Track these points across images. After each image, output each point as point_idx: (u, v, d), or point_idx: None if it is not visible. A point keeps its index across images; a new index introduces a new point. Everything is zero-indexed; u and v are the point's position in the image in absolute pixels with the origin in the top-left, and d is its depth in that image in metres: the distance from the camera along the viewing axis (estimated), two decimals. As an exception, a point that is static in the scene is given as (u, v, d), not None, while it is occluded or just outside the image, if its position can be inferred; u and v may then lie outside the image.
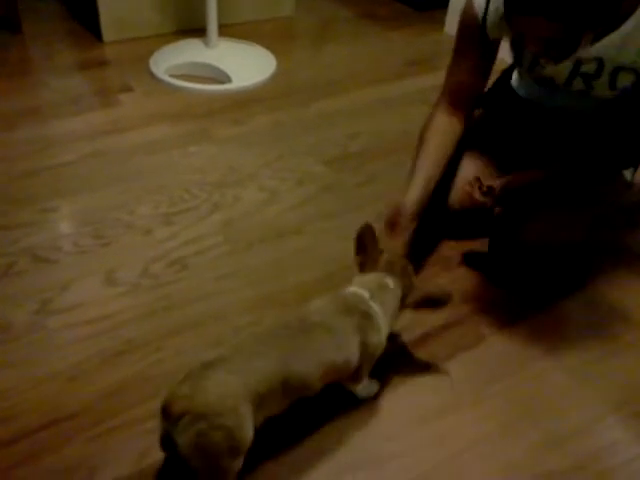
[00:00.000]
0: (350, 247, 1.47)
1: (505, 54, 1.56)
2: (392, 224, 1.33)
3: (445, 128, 1.47)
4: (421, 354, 1.31)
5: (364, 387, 1.18)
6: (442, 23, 2.78)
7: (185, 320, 1.35)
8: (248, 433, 0.94)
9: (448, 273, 1.51)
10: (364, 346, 1.10)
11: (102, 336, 1.30)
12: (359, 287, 1.15)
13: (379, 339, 1.13)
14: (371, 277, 1.17)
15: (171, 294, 1.41)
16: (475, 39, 1.41)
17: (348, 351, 1.08)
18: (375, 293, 1.14)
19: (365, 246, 1.20)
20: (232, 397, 0.92)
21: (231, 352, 0.99)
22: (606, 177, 1.52)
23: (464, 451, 1.14)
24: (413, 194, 1.36)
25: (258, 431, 0.97)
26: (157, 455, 1.09)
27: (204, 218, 1.64)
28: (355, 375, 1.14)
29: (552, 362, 1.32)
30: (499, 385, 1.26)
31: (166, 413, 0.92)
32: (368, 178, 1.83)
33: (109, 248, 1.52)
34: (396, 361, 1.29)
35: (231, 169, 1.83)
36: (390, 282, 1.16)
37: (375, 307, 1.12)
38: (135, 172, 1.79)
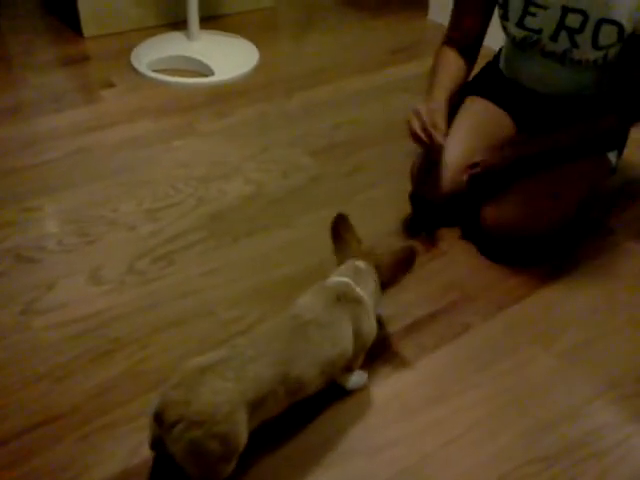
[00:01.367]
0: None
1: (491, 42, 1.57)
2: (433, 124, 1.37)
3: (455, 59, 1.55)
4: (408, 344, 1.31)
5: (354, 379, 1.19)
6: (425, 10, 2.77)
7: (172, 316, 1.34)
8: (242, 438, 0.94)
9: (432, 262, 1.51)
10: (358, 335, 1.10)
11: (89, 335, 1.29)
12: (339, 276, 1.15)
13: (371, 325, 1.14)
14: (343, 267, 1.18)
15: (157, 291, 1.40)
16: None
17: (343, 343, 1.08)
18: (355, 278, 1.14)
19: (341, 236, 1.21)
20: (228, 404, 0.91)
21: (226, 357, 0.96)
22: (590, 158, 1.52)
23: (455, 439, 1.14)
24: (441, 95, 1.45)
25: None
26: (147, 453, 1.08)
27: (189, 213, 1.63)
28: (349, 366, 1.14)
29: (539, 348, 1.32)
30: (487, 373, 1.26)
31: (159, 419, 0.91)
32: (354, 168, 1.83)
33: (94, 246, 1.51)
34: (384, 352, 1.29)
35: (216, 163, 1.82)
36: (361, 264, 1.16)
37: (361, 292, 1.12)
38: (119, 168, 1.77)
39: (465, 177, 1.46)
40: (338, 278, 1.15)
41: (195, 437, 0.88)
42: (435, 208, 1.59)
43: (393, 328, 1.33)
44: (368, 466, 1.09)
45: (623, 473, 1.11)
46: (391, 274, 1.18)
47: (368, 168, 1.83)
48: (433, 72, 1.54)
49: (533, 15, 1.41)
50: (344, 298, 1.10)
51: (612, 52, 1.38)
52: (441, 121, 1.39)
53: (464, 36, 1.55)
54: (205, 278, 1.44)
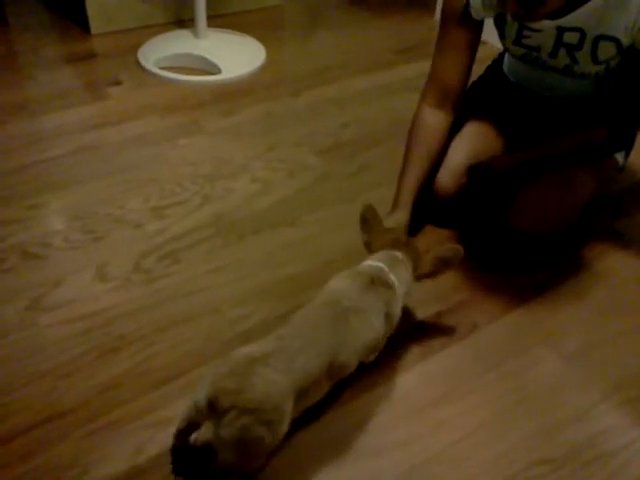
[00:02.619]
0: (345, 237, 1.47)
1: (495, 40, 1.56)
2: None
3: (433, 126, 1.48)
4: (414, 344, 1.31)
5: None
6: (432, 9, 2.76)
7: (178, 314, 1.34)
8: (285, 429, 0.97)
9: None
10: (388, 319, 1.14)
11: (94, 332, 1.29)
12: (375, 261, 1.18)
13: (399, 311, 1.17)
14: (381, 254, 1.19)
15: (163, 288, 1.40)
16: (460, 22, 1.41)
17: (377, 328, 1.12)
18: (390, 265, 1.17)
19: (369, 225, 1.23)
20: (278, 394, 0.94)
21: (275, 349, 0.98)
22: (598, 160, 1.52)
23: (460, 440, 1.14)
24: (404, 215, 1.39)
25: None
26: (152, 451, 1.09)
27: (195, 211, 1.62)
28: (375, 350, 1.16)
29: (546, 350, 1.31)
30: (494, 374, 1.26)
31: (212, 406, 0.92)
32: (361, 167, 1.82)
33: (100, 243, 1.51)
34: (391, 351, 1.28)
35: (222, 161, 1.82)
36: (399, 255, 1.19)
37: (393, 278, 1.15)
38: (125, 166, 1.77)
39: (465, 177, 1.45)
40: (373, 262, 1.17)
41: (246, 424, 0.91)
42: (440, 207, 1.59)
43: (400, 328, 1.32)
44: (375, 466, 1.09)
45: (630, 476, 1.10)
46: (430, 270, 1.21)
47: (374, 167, 1.82)
48: (407, 156, 1.47)
49: (529, 37, 1.40)
50: (378, 282, 1.13)
51: (613, 64, 1.37)
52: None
53: (446, 84, 1.47)
54: (211, 276, 1.44)
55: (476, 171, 1.46)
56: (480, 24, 1.43)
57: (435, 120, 1.48)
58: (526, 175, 1.44)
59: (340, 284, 1.13)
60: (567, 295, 1.45)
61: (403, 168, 1.46)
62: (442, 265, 1.21)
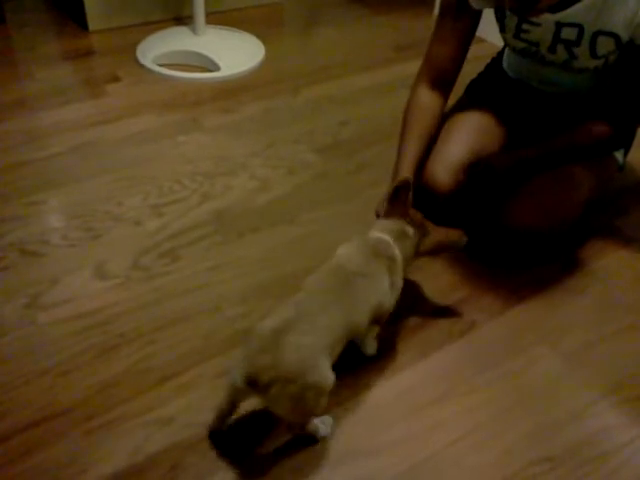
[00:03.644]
0: (344, 235, 1.46)
1: (497, 39, 1.55)
2: None
3: (428, 105, 1.48)
4: (414, 342, 1.31)
5: (371, 343, 1.26)
6: (432, 6, 2.75)
7: (177, 312, 1.34)
8: (330, 379, 1.02)
9: (438, 260, 1.50)
10: (392, 285, 1.18)
11: (94, 330, 1.29)
12: (382, 233, 1.21)
13: (400, 282, 1.21)
14: (393, 224, 1.22)
15: (163, 286, 1.40)
16: (457, 11, 1.41)
17: (382, 293, 1.15)
18: (396, 238, 1.20)
19: (399, 198, 1.23)
20: (310, 357, 0.99)
21: (296, 314, 1.02)
22: (597, 157, 1.51)
23: (459, 439, 1.14)
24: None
25: (254, 425, 0.99)
26: (151, 449, 1.09)
27: (194, 208, 1.62)
28: (377, 319, 1.19)
29: (545, 348, 1.32)
30: (493, 372, 1.26)
31: (253, 383, 0.96)
32: (360, 165, 1.82)
33: (99, 241, 1.51)
34: (389, 350, 1.28)
35: (221, 158, 1.81)
36: (410, 230, 1.22)
37: (397, 252, 1.19)
38: (124, 163, 1.77)
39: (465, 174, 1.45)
40: (381, 234, 1.20)
41: (292, 393, 0.97)
42: (439, 205, 1.58)
43: (399, 325, 1.33)
44: (373, 465, 1.09)
45: (629, 475, 1.11)
46: (432, 249, 1.26)
47: (373, 165, 1.82)
48: (404, 132, 1.47)
49: (528, 31, 1.40)
50: (382, 253, 1.17)
51: (612, 58, 1.37)
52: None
53: (441, 68, 1.48)
54: (210, 274, 1.44)
55: (476, 169, 1.46)
56: (478, 13, 1.43)
57: (431, 100, 1.49)
58: (526, 172, 1.44)
59: (347, 251, 1.18)
60: (566, 293, 1.45)
61: (402, 145, 1.46)
62: (443, 248, 1.29)
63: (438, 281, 1.44)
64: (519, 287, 1.45)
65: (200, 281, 1.42)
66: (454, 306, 1.39)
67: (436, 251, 1.29)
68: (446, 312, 1.38)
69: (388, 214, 1.25)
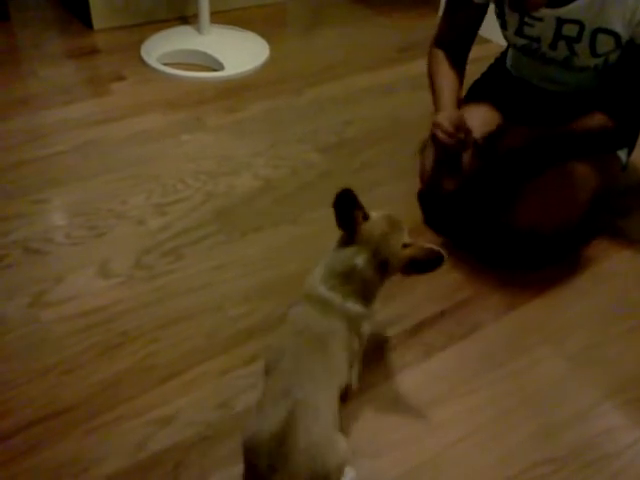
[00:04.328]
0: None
1: (502, 39, 1.55)
2: (459, 126, 1.39)
3: (450, 68, 1.54)
4: (417, 343, 1.30)
5: (356, 378, 1.10)
6: (436, 7, 2.75)
7: (180, 311, 1.34)
8: (345, 449, 0.96)
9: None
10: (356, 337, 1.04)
11: (97, 328, 1.29)
12: (325, 289, 1.02)
13: (367, 330, 1.06)
14: (335, 266, 1.02)
15: (166, 285, 1.40)
16: (464, 5, 1.47)
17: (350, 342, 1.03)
18: (344, 290, 1.01)
19: (347, 216, 1.02)
20: (324, 446, 0.92)
21: (287, 413, 0.90)
22: (600, 157, 1.51)
23: (462, 440, 1.14)
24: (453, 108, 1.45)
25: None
26: (154, 448, 1.09)
27: (198, 207, 1.62)
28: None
29: (549, 349, 1.31)
30: (496, 373, 1.26)
31: None
32: (363, 165, 1.82)
33: (102, 239, 1.51)
34: (392, 350, 1.28)
35: (225, 157, 1.81)
36: (360, 261, 1.00)
37: (351, 307, 1.01)
38: (127, 162, 1.77)
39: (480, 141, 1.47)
40: (324, 292, 1.02)
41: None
42: (444, 206, 1.58)
43: (401, 326, 1.33)
44: (376, 466, 1.09)
45: (632, 477, 1.10)
46: (403, 272, 1.04)
47: (377, 165, 1.82)
48: (434, 84, 1.53)
49: (530, 25, 1.40)
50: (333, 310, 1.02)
51: (612, 57, 1.37)
52: (464, 121, 1.40)
53: (454, 39, 1.54)
54: (213, 273, 1.44)
55: (486, 144, 1.46)
56: (484, 7, 1.47)
57: (451, 65, 1.54)
58: (532, 157, 1.44)
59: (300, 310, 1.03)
60: (570, 294, 1.45)
61: (438, 88, 1.51)
62: (420, 269, 1.02)
63: (442, 281, 1.44)
64: (523, 287, 1.45)
65: (203, 280, 1.42)
66: (458, 306, 1.39)
67: (407, 271, 1.03)
68: (450, 312, 1.37)
69: (344, 239, 1.04)
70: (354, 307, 1.02)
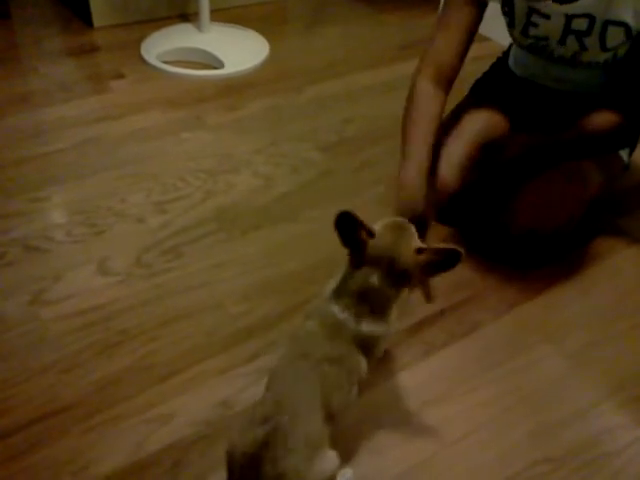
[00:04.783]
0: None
1: (502, 38, 1.55)
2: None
3: (430, 99, 1.39)
4: (417, 341, 1.30)
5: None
6: (437, 5, 2.74)
7: (180, 309, 1.34)
8: (333, 462, 0.94)
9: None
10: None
11: (96, 326, 1.29)
12: (339, 309, 0.98)
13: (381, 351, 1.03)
14: (349, 286, 0.99)
15: (165, 283, 1.40)
16: (465, 3, 1.39)
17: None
18: (360, 311, 0.97)
19: (352, 236, 1.00)
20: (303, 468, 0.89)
21: (269, 433, 0.88)
22: (605, 153, 1.51)
23: (461, 439, 1.13)
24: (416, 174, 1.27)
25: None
26: (153, 446, 1.09)
27: (197, 205, 1.62)
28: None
29: (549, 348, 1.31)
30: (496, 372, 1.25)
31: None
32: (364, 163, 1.82)
33: (101, 237, 1.51)
34: (392, 349, 1.28)
35: (224, 155, 1.81)
36: (375, 280, 0.97)
37: (366, 327, 0.98)
38: (127, 160, 1.77)
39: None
40: (338, 314, 0.98)
41: None
42: (445, 207, 1.58)
43: (401, 325, 1.32)
44: (376, 464, 1.09)
45: (632, 475, 1.10)
46: (420, 282, 1.07)
47: (377, 164, 1.81)
48: (408, 128, 1.36)
49: (537, 25, 1.39)
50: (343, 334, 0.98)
51: (621, 51, 1.36)
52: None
53: (443, 62, 1.41)
54: (213, 271, 1.43)
55: (487, 151, 1.45)
56: (483, 7, 1.42)
57: (435, 97, 1.40)
58: (535, 162, 1.43)
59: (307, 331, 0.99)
60: (570, 293, 1.44)
61: (408, 141, 1.33)
62: (436, 270, 1.00)
63: (442, 280, 1.42)
64: (523, 286, 1.45)
65: (203, 278, 1.41)
66: (458, 305, 1.39)
67: (424, 279, 1.07)
68: (449, 312, 1.37)
69: (351, 260, 1.01)
70: (369, 327, 0.97)
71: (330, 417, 0.94)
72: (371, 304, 0.98)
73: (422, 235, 1.07)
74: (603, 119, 1.39)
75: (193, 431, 1.11)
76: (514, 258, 1.51)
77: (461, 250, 0.96)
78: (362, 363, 0.99)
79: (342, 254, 1.08)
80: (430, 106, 1.37)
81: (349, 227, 0.99)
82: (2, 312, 1.31)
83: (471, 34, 1.43)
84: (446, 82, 1.42)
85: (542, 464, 1.11)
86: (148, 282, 1.40)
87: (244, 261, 1.47)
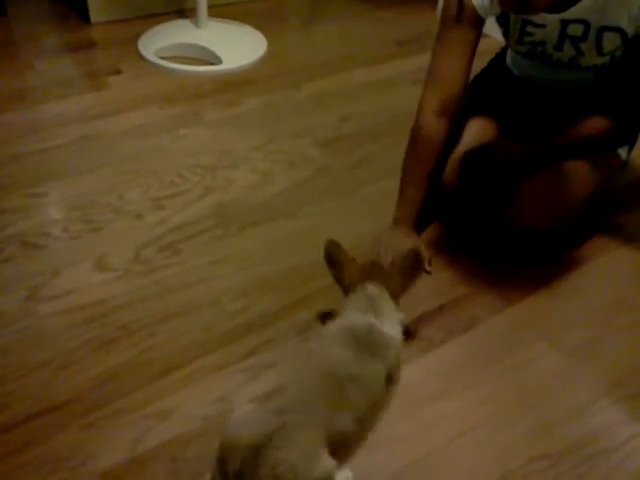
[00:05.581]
0: (345, 229, 1.46)
1: (499, 34, 1.54)
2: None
3: (435, 138, 1.44)
4: (415, 338, 1.30)
5: None
6: (434, 1, 2.74)
7: (178, 305, 1.34)
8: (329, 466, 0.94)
9: (440, 256, 1.49)
10: (389, 376, 1.09)
11: (94, 322, 1.29)
12: (356, 313, 1.12)
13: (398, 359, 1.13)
14: (354, 298, 1.15)
15: (163, 279, 1.40)
16: (461, 24, 1.38)
17: (378, 389, 1.06)
18: (374, 312, 1.12)
19: (336, 261, 1.19)
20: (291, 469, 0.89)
21: (276, 427, 0.91)
22: (601, 152, 1.51)
23: (459, 435, 1.13)
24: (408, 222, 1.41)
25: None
26: (151, 442, 1.09)
27: (195, 202, 1.62)
28: None
29: (547, 344, 1.31)
30: (494, 368, 1.25)
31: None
32: (361, 160, 1.82)
33: (99, 233, 1.50)
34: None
35: (222, 152, 1.81)
36: (372, 290, 1.14)
37: (387, 328, 1.11)
38: (125, 156, 1.76)
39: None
40: (358, 317, 1.11)
41: None
42: (443, 201, 1.58)
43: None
44: (374, 461, 1.08)
45: (630, 471, 1.10)
46: (401, 286, 1.17)
47: (375, 160, 1.81)
48: (408, 171, 1.43)
49: (532, 34, 1.39)
50: (369, 344, 1.07)
51: (618, 54, 1.36)
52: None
53: (447, 84, 1.42)
54: (211, 267, 1.43)
55: (478, 156, 1.45)
56: (481, 24, 1.41)
57: (438, 131, 1.43)
58: (528, 167, 1.43)
59: (332, 349, 1.07)
60: (568, 290, 1.45)
61: (405, 183, 1.43)
62: (408, 277, 1.17)
63: (439, 277, 1.43)
64: (520, 284, 1.45)
65: (201, 274, 1.41)
66: (456, 302, 1.39)
67: (406, 285, 1.18)
68: (447, 309, 1.37)
69: (338, 280, 1.19)
70: (389, 331, 1.11)
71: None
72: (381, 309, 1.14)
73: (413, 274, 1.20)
74: (594, 125, 1.39)
75: (191, 427, 1.11)
76: (512, 255, 1.51)
77: (417, 250, 1.17)
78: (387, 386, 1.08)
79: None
80: (432, 140, 1.43)
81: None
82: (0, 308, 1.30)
83: (473, 55, 1.43)
84: (450, 113, 1.44)
85: (540, 460, 1.11)
86: (146, 278, 1.39)
87: (242, 257, 1.47)
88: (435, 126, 1.43)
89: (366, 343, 1.07)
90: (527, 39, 1.41)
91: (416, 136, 1.45)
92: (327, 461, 0.93)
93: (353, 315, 1.12)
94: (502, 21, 1.44)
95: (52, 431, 1.09)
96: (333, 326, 1.12)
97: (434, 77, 1.44)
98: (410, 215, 1.41)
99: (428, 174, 1.44)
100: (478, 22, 1.39)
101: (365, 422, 1.04)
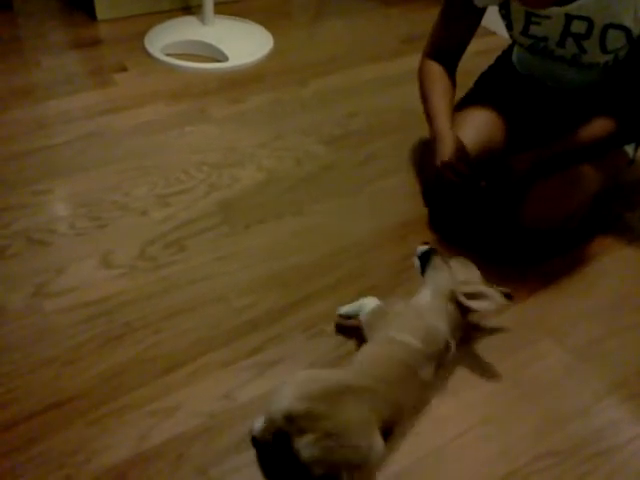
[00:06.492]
0: (351, 226, 1.45)
1: (504, 31, 1.54)
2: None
3: (440, 70, 1.52)
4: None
5: None
6: (441, -1, 2.73)
7: (183, 302, 1.34)
8: (377, 449, 0.99)
9: (445, 255, 1.49)
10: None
11: (100, 319, 1.29)
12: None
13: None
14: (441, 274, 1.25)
15: (169, 276, 1.40)
16: (462, 10, 1.44)
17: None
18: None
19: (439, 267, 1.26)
20: (361, 424, 0.98)
21: (364, 385, 1.03)
22: (607, 152, 1.50)
23: (463, 434, 1.13)
24: (447, 128, 1.42)
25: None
26: (157, 438, 1.09)
27: (201, 199, 1.62)
28: None
29: (552, 343, 1.31)
30: (499, 367, 1.25)
31: (292, 421, 0.95)
32: (368, 157, 1.81)
33: (105, 230, 1.51)
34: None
35: (228, 149, 1.81)
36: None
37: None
38: (130, 153, 1.76)
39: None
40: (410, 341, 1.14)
41: (328, 446, 0.94)
42: (449, 202, 1.58)
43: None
44: (378, 457, 1.09)
45: (634, 470, 1.10)
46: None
47: (381, 157, 1.81)
48: (431, 108, 1.49)
49: (537, 24, 1.39)
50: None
51: (622, 53, 1.36)
52: (466, 152, 1.40)
53: (446, 52, 1.52)
54: (217, 264, 1.43)
55: (495, 171, 1.44)
56: (481, 13, 1.44)
57: (442, 69, 1.53)
58: (540, 173, 1.43)
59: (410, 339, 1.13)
60: (574, 288, 1.44)
61: (431, 104, 1.49)
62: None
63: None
64: (526, 282, 1.44)
65: (206, 271, 1.41)
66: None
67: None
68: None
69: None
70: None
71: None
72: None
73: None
74: (600, 127, 1.39)
75: (197, 424, 1.11)
76: (518, 254, 1.51)
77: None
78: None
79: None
80: (444, 78, 1.51)
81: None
82: (5, 304, 1.31)
83: (472, 31, 1.48)
84: (450, 66, 1.52)
85: (545, 458, 1.11)
86: (152, 275, 1.40)
87: (248, 254, 1.47)
88: (441, 68, 1.52)
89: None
90: (532, 31, 1.40)
91: (425, 72, 1.55)
92: (379, 443, 0.98)
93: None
94: (504, 12, 1.44)
95: (57, 427, 1.10)
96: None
97: (433, 41, 1.55)
98: (449, 126, 1.44)
99: (449, 92, 1.50)
100: (477, 11, 1.44)
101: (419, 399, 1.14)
